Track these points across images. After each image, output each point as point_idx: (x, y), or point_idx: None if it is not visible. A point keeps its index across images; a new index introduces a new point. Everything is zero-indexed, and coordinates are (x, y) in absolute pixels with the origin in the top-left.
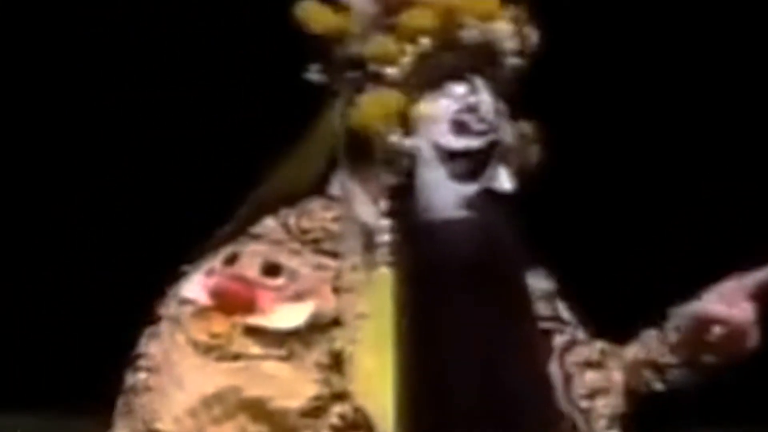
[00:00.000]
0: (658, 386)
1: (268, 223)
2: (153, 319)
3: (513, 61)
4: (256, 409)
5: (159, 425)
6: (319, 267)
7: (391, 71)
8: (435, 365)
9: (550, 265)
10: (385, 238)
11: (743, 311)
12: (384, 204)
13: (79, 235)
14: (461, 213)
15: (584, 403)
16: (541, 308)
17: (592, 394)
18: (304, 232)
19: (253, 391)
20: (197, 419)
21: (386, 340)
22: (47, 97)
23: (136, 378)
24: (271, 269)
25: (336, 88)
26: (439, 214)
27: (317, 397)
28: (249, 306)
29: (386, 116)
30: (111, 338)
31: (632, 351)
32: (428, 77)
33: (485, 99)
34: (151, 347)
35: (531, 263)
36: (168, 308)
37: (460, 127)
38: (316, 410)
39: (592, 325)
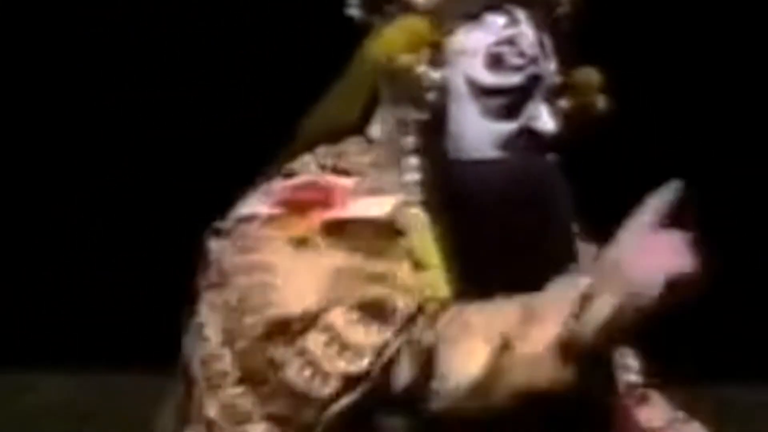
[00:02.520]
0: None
1: (304, 158)
2: (202, 256)
3: None
4: (388, 281)
5: (279, 310)
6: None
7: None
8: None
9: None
10: (414, 176)
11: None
12: (410, 140)
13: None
14: (497, 153)
15: None
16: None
17: None
18: (339, 171)
19: (377, 267)
20: (326, 294)
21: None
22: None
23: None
24: (341, 171)
25: (375, 23)
26: (472, 154)
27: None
28: (326, 202)
29: (412, 46)
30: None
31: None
32: (463, 7)
33: (525, 31)
34: (210, 273)
35: (575, 214)
36: (224, 232)
37: (495, 61)
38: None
39: None
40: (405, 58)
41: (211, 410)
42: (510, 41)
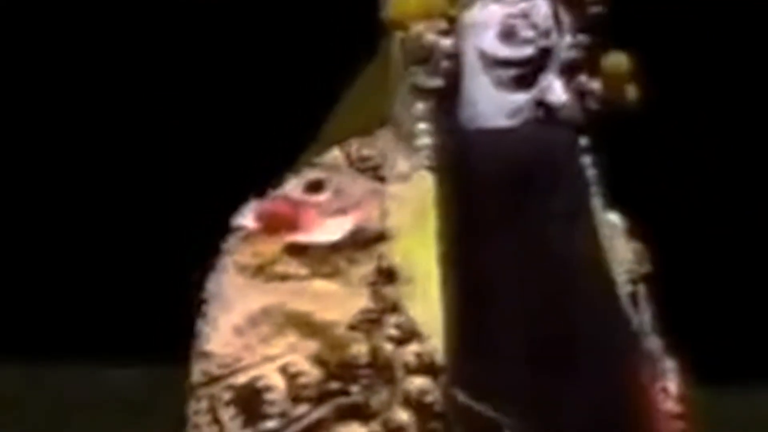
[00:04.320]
0: None
1: (333, 152)
2: (217, 255)
3: None
4: (304, 324)
5: (207, 347)
6: (374, 192)
7: None
8: (480, 276)
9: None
10: (425, 141)
11: None
12: (420, 106)
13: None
14: (508, 123)
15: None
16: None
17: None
18: (364, 159)
19: (300, 305)
20: (244, 337)
21: (428, 249)
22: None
23: (200, 314)
24: (314, 186)
25: None
26: (484, 124)
27: (368, 310)
28: (292, 224)
29: (425, 14)
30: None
31: None
32: None
33: (540, 4)
34: (210, 281)
35: (589, 186)
36: (226, 240)
37: (508, 34)
38: (367, 323)
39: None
40: (417, 25)
41: None
42: (523, 14)
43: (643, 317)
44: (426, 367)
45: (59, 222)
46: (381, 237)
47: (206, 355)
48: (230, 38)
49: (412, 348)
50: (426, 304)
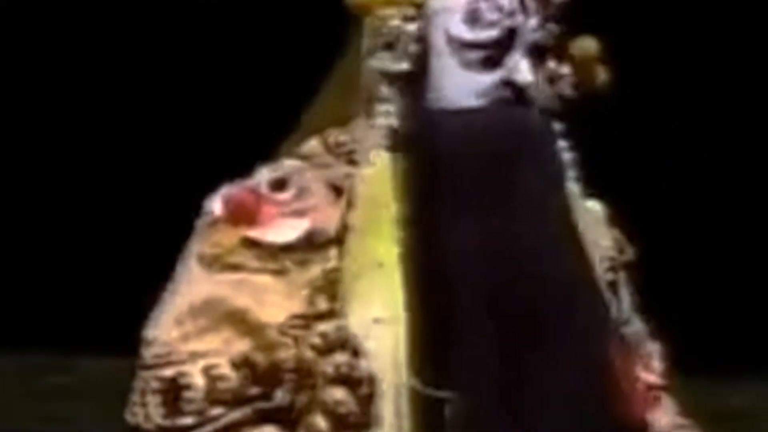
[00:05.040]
0: None
1: (311, 142)
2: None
3: None
4: (241, 321)
5: (148, 332)
6: (346, 176)
7: None
8: (444, 259)
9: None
10: (384, 121)
11: None
12: (385, 90)
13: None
14: (476, 103)
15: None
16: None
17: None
18: (339, 144)
19: (239, 301)
20: (182, 328)
21: (384, 226)
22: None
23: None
24: (279, 184)
25: None
26: (451, 105)
27: (300, 316)
28: (252, 218)
29: (389, 0)
30: None
31: None
32: None
33: None
34: (178, 264)
35: (562, 168)
36: (199, 220)
37: (473, 17)
38: (297, 328)
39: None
40: (382, 11)
41: None
42: None
43: (622, 304)
44: (343, 378)
45: (33, 211)
46: (335, 240)
47: (147, 342)
48: (212, 28)
49: (333, 359)
50: (387, 292)
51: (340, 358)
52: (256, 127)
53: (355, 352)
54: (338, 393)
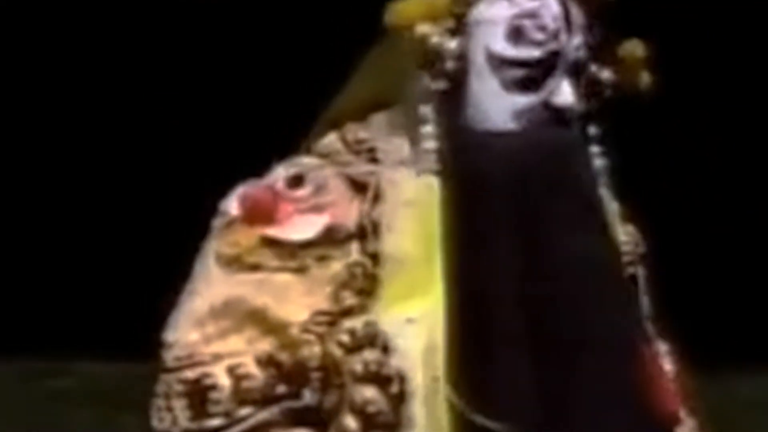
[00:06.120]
0: None
1: (329, 137)
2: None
3: None
4: (263, 321)
5: (170, 335)
6: (369, 173)
7: None
8: (483, 279)
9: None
10: (431, 144)
11: None
12: (428, 109)
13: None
14: (515, 126)
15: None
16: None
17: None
18: (360, 141)
19: (260, 300)
20: (204, 330)
21: (430, 250)
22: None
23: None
24: (296, 180)
25: None
26: (490, 126)
27: (324, 312)
28: (270, 217)
29: (429, 15)
30: None
31: None
32: None
33: (550, 3)
34: (195, 264)
35: (596, 182)
36: (215, 220)
37: (516, 34)
38: (322, 325)
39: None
40: (421, 27)
41: None
42: (532, 14)
43: (643, 300)
44: (372, 377)
45: (32, 215)
46: (357, 236)
47: (167, 344)
48: (232, 26)
49: (362, 356)
50: (423, 294)
51: (369, 355)
52: (271, 126)
53: (385, 349)
54: (368, 392)
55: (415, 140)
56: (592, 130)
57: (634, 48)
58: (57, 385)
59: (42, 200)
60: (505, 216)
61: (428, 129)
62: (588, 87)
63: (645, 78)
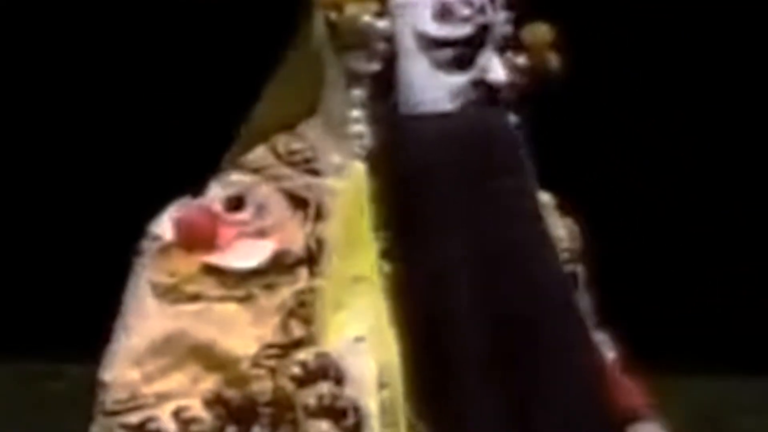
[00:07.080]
0: None
1: (258, 150)
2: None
3: None
4: (207, 356)
5: (104, 375)
6: (308, 188)
7: None
8: (430, 262)
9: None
10: (359, 128)
11: None
12: (357, 92)
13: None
14: (451, 106)
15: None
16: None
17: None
18: (293, 153)
19: (204, 334)
20: (143, 369)
21: (362, 241)
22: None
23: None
24: (234, 202)
25: None
26: (425, 109)
27: (274, 345)
28: (209, 242)
29: None
30: None
31: None
32: None
33: None
34: (126, 293)
35: (530, 164)
36: (143, 245)
37: (444, 12)
38: (272, 359)
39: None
40: (351, 8)
41: None
42: None
43: (584, 298)
44: (326, 411)
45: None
46: (305, 259)
47: (104, 385)
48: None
49: (315, 389)
50: (368, 309)
51: (323, 388)
52: (196, 137)
53: (338, 380)
54: (323, 426)
55: (342, 126)
56: (513, 117)
57: (540, 30)
58: (52, 388)
59: (38, 204)
60: (444, 204)
61: (356, 113)
62: (510, 73)
63: (553, 62)
